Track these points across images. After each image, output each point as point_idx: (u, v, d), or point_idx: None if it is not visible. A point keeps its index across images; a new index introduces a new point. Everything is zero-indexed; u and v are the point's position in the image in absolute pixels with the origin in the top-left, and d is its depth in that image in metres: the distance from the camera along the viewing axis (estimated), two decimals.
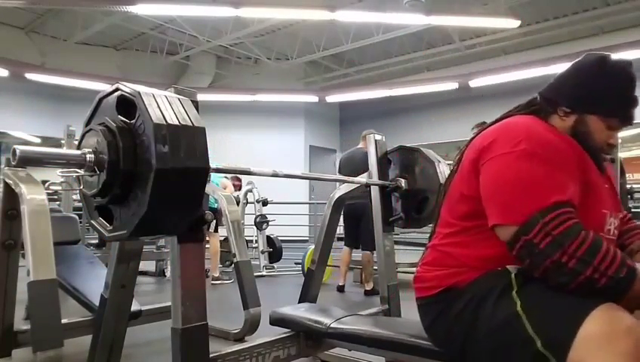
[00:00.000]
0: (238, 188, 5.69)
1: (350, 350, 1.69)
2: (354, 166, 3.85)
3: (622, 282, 0.95)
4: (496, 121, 1.21)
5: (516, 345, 1.00)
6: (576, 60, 1.18)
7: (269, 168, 1.64)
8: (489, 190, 1.08)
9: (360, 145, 4.51)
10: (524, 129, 1.09)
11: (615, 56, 1.16)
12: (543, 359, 0.95)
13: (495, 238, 1.07)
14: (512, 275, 1.06)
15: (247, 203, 6.09)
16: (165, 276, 5.12)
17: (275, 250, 5.92)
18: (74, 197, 4.08)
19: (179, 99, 1.09)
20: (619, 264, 0.95)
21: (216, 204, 3.78)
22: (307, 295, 2.17)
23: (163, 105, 1.04)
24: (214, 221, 4.67)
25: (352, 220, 4.29)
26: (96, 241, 4.65)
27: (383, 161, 2.16)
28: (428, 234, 1.32)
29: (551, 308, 0.99)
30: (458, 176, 1.20)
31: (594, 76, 1.14)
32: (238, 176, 5.58)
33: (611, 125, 1.15)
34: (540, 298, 1.01)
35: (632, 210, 5.53)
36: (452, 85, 9.25)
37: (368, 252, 4.30)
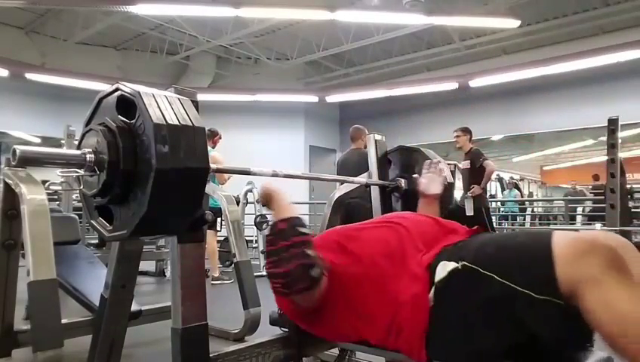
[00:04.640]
0: (213, 143, 5.12)
1: (350, 350, 1.69)
2: (347, 172, 3.80)
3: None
4: None
5: (494, 303, 1.00)
6: None
7: (269, 168, 1.64)
8: None
9: (353, 146, 4.49)
10: None
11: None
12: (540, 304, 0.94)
13: None
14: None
15: (247, 203, 6.09)
16: (165, 276, 5.12)
17: None
18: (74, 197, 4.08)
19: (179, 99, 1.09)
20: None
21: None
22: None
23: (163, 105, 1.03)
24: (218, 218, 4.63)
25: (346, 221, 4.22)
26: (96, 241, 4.65)
27: (383, 161, 2.16)
28: None
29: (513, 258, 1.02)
30: None
31: None
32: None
33: None
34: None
35: (632, 210, 5.53)
36: (452, 85, 9.24)
37: None
